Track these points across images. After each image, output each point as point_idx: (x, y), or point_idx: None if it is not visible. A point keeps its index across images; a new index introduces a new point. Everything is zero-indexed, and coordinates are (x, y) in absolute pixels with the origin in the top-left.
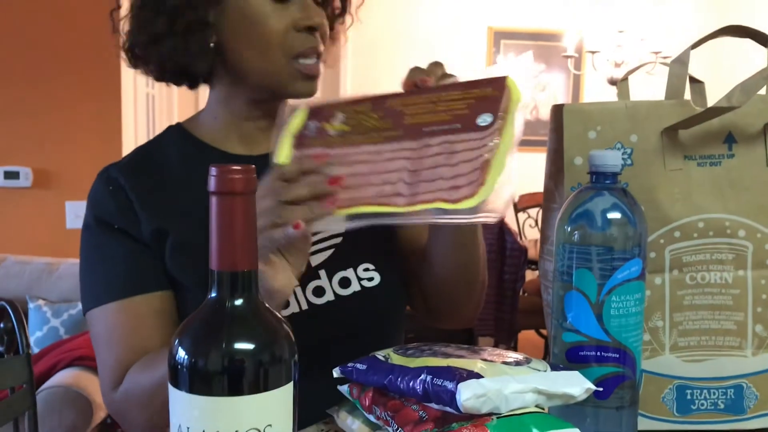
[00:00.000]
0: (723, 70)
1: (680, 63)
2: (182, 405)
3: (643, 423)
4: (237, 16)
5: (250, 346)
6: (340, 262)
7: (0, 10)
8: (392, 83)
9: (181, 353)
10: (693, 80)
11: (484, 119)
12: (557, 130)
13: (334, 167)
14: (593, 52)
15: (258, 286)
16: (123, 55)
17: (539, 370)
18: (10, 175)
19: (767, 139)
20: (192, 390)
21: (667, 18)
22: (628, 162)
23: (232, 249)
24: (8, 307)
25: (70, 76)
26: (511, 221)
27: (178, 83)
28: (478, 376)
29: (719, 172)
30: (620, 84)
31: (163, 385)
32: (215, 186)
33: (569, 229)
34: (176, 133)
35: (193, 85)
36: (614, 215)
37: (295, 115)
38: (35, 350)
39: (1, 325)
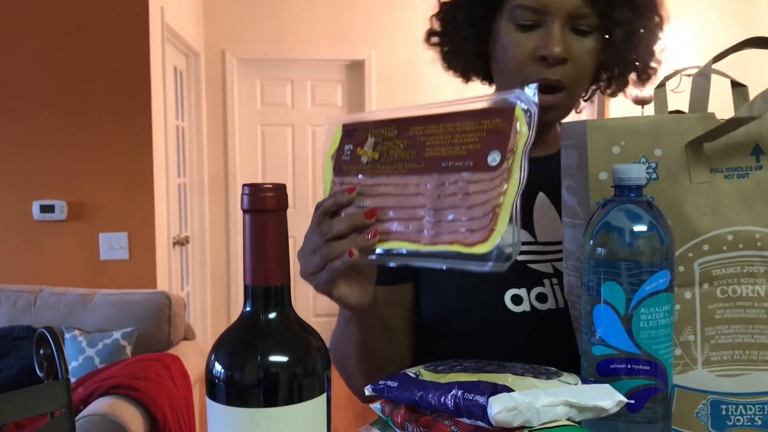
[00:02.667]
0: (753, 80)
1: (703, 76)
2: (219, 417)
3: None
4: (494, 40)
5: (283, 359)
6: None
7: (34, 46)
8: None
9: (218, 367)
10: (736, 84)
11: (493, 158)
12: (578, 147)
13: (367, 198)
14: None
15: (290, 300)
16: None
17: (570, 384)
18: (45, 209)
19: None
20: (228, 402)
21: (691, 34)
22: (653, 176)
23: (265, 265)
24: (47, 334)
25: (103, 110)
26: None
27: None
28: (509, 389)
29: (747, 184)
30: (657, 91)
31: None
32: (248, 204)
33: (595, 243)
34: None
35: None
36: (640, 228)
37: (335, 134)
38: (71, 380)
39: (41, 352)
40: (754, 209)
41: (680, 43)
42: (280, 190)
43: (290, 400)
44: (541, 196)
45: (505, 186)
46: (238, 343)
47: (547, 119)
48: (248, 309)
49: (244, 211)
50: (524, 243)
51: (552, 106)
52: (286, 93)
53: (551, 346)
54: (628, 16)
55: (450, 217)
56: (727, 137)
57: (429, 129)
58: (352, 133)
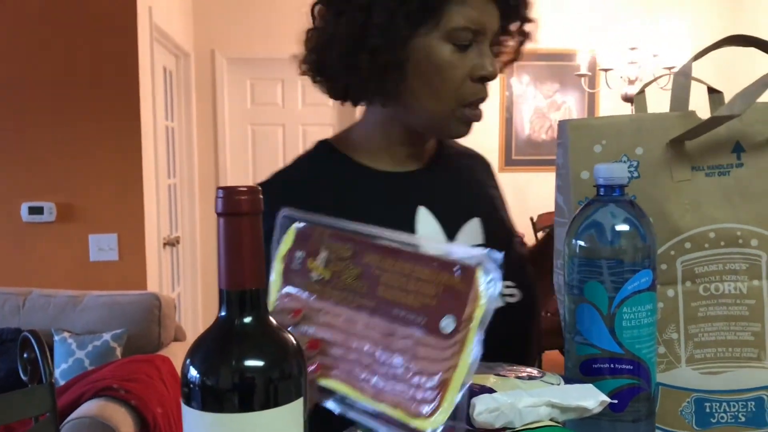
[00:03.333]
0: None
1: (683, 74)
2: (195, 422)
3: None
4: (422, 58)
5: (258, 363)
6: None
7: (22, 45)
8: None
9: (192, 372)
10: (712, 90)
11: (447, 323)
12: (563, 146)
13: (312, 324)
14: (606, 70)
15: (266, 304)
16: (303, 67)
17: (553, 384)
18: (34, 211)
19: None
20: (204, 407)
21: (679, 33)
22: (635, 174)
23: (240, 268)
24: (31, 337)
25: (91, 111)
26: (530, 240)
27: (344, 99)
28: (491, 390)
29: (728, 181)
30: (637, 98)
31: None
32: (222, 207)
33: (577, 242)
34: (328, 152)
35: (355, 104)
36: (622, 227)
37: (287, 234)
38: (61, 382)
39: (25, 355)
40: (735, 207)
41: (673, 41)
42: (254, 193)
43: (266, 405)
44: (422, 210)
45: (457, 360)
46: (213, 348)
47: (470, 131)
48: (223, 314)
49: (218, 215)
50: None
51: (479, 119)
52: (276, 92)
53: None
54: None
55: (397, 372)
56: (708, 135)
57: (385, 262)
58: (306, 238)
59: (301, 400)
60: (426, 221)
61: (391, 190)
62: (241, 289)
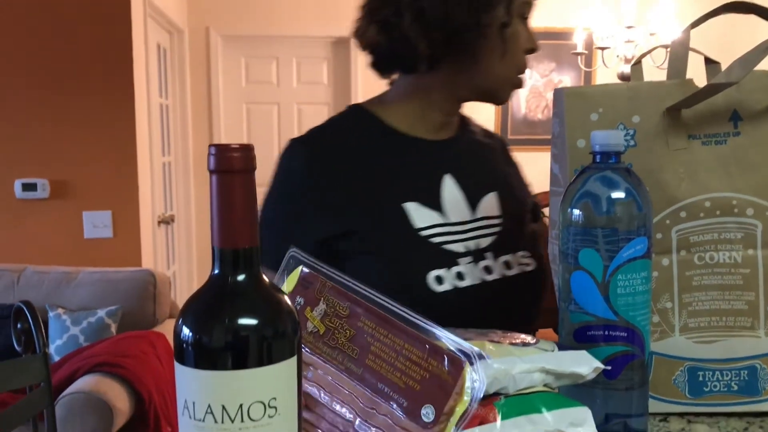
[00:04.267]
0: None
1: (680, 44)
2: (188, 380)
3: (655, 406)
4: (498, 26)
5: (251, 321)
6: (504, 246)
7: (16, 25)
8: None
9: (185, 330)
10: (709, 61)
11: (426, 413)
12: (559, 114)
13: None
14: (603, 49)
15: (259, 262)
16: (365, 35)
17: (547, 351)
18: (27, 187)
19: None
20: (197, 365)
21: (676, 12)
22: (631, 143)
23: (233, 226)
24: (25, 308)
25: (85, 89)
26: None
27: (391, 70)
28: (486, 357)
29: (725, 150)
30: (633, 68)
31: None
32: (214, 165)
33: (573, 210)
34: (361, 115)
35: (409, 71)
36: (618, 194)
37: (291, 276)
38: (56, 358)
39: (19, 326)
40: (731, 175)
41: (670, 20)
42: (247, 150)
43: (259, 362)
44: (448, 179)
45: None
46: (206, 306)
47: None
48: (216, 272)
49: (211, 172)
50: (437, 225)
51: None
52: (271, 71)
53: (475, 322)
54: None
55: None
56: (705, 104)
57: (378, 331)
58: (308, 285)
59: (294, 359)
60: (451, 190)
61: (421, 156)
62: (234, 248)
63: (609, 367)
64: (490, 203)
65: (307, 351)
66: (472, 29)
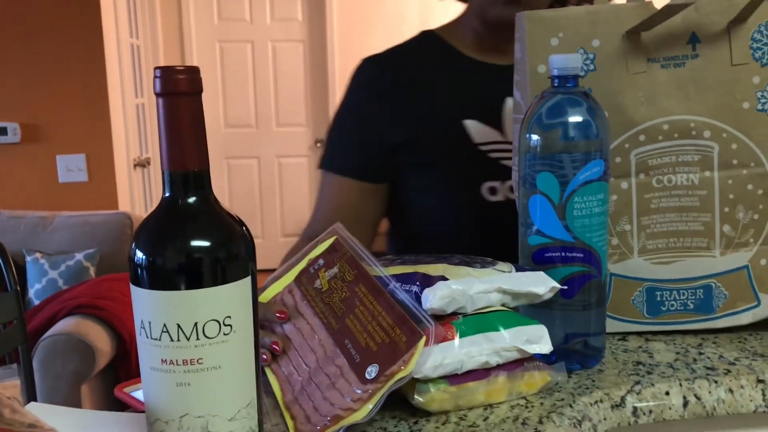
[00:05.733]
0: None
1: None
2: (143, 301)
3: (613, 325)
4: None
5: (202, 242)
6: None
7: None
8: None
9: (139, 252)
10: None
11: (370, 371)
12: (520, 40)
13: (289, 324)
14: None
15: (210, 185)
16: None
17: (504, 272)
18: None
19: (731, 38)
20: (151, 286)
21: None
22: (591, 68)
23: (181, 149)
24: None
25: (52, 30)
26: None
27: None
28: (444, 278)
29: (683, 73)
30: None
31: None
32: (160, 87)
33: (531, 136)
34: (430, 38)
35: None
36: (575, 118)
37: (324, 242)
38: (35, 302)
39: None
40: (689, 98)
41: None
42: (193, 72)
43: (212, 282)
44: (510, 101)
45: (359, 406)
46: (158, 228)
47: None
48: (167, 194)
49: (157, 95)
50: (495, 142)
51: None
52: (244, 7)
53: None
54: None
55: (314, 393)
56: (664, 26)
57: (367, 298)
58: (333, 252)
59: (248, 279)
60: (512, 111)
61: (484, 78)
62: (184, 170)
63: (566, 287)
64: None
65: (304, 303)
66: None
